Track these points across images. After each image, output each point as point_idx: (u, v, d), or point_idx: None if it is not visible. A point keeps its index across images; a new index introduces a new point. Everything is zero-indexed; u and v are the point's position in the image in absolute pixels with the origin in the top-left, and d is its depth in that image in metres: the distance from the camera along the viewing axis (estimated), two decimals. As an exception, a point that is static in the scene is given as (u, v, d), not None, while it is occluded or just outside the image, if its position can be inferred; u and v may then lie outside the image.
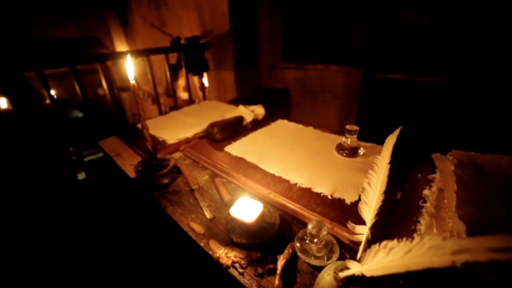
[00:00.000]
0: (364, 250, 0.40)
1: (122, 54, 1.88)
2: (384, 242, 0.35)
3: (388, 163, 0.47)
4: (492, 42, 1.45)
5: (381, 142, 0.93)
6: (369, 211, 0.44)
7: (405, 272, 0.27)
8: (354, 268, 0.37)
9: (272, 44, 2.79)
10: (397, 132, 0.52)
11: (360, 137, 0.94)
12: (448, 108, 1.67)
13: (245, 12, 2.51)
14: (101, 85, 3.02)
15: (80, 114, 3.11)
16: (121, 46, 3.66)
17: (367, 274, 0.33)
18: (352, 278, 0.38)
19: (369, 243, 0.40)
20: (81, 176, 2.30)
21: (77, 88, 1.62)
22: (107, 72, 1.86)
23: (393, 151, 0.50)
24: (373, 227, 0.43)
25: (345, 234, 0.53)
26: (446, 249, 0.25)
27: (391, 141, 0.51)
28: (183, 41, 2.60)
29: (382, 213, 0.45)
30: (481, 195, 0.61)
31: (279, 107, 2.82)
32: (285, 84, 2.82)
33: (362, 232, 0.44)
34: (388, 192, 0.45)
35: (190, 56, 2.49)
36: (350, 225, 0.46)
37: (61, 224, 1.62)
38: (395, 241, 0.33)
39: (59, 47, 3.25)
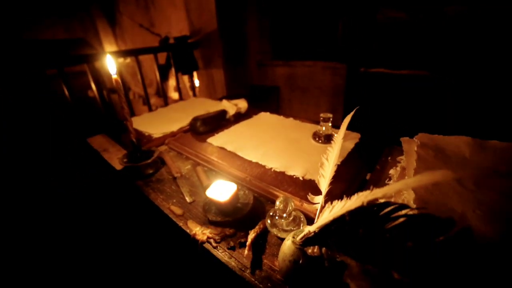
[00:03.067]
0: (319, 216, 0.45)
1: (107, 54, 1.91)
2: (329, 203, 0.39)
3: (342, 139, 0.51)
4: (467, 35, 1.52)
5: (366, 133, 0.99)
6: (324, 182, 0.48)
7: (333, 219, 0.32)
8: (306, 229, 0.41)
9: (260, 42, 2.82)
10: (352, 113, 0.57)
11: (347, 128, 0.99)
12: (427, 98, 1.74)
13: (233, 11, 2.55)
14: (90, 87, 3.03)
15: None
16: (110, 47, 3.67)
17: (312, 229, 0.38)
18: (306, 240, 0.42)
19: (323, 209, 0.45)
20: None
21: (65, 89, 1.64)
22: (95, 73, 1.88)
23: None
24: (327, 195, 0.48)
25: (305, 204, 0.58)
26: (363, 197, 0.30)
27: (346, 120, 0.55)
28: (172, 41, 2.63)
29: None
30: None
31: (269, 104, 2.86)
32: (275, 81, 2.86)
33: (319, 201, 0.48)
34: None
35: (179, 55, 2.52)
36: (310, 196, 0.51)
37: (60, 220, 1.66)
38: (337, 200, 0.38)
39: (45, 49, 3.23)
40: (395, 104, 1.88)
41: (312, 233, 0.40)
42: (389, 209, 0.32)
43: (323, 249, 0.39)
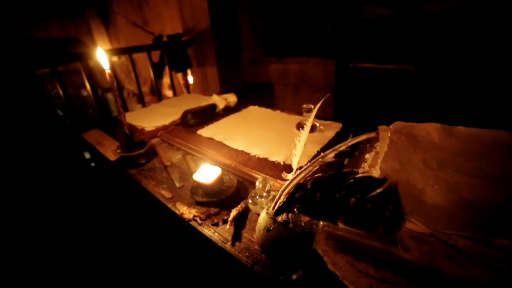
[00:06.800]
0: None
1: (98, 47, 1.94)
2: (294, 173, 0.45)
3: (311, 122, 0.57)
4: (448, 31, 1.58)
5: (351, 123, 1.05)
6: (295, 160, 0.54)
7: (296, 183, 0.37)
8: (275, 198, 0.47)
9: (253, 40, 2.86)
10: (322, 100, 0.62)
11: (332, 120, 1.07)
12: (413, 90, 1.80)
13: (225, 8, 2.58)
14: (84, 86, 3.05)
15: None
16: (103, 45, 3.69)
17: (277, 197, 0.43)
18: (278, 209, 0.48)
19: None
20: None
21: (59, 88, 1.67)
22: (89, 71, 1.91)
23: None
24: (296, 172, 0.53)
25: (279, 181, 0.63)
26: (319, 160, 0.35)
27: (317, 106, 0.61)
28: (165, 39, 2.66)
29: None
30: (406, 153, 0.72)
31: (263, 100, 2.89)
32: (268, 78, 2.90)
33: (291, 178, 0.54)
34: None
35: (173, 53, 2.56)
36: (283, 174, 0.56)
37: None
38: (299, 170, 0.44)
39: (37, 48, 3.23)
40: (383, 97, 1.94)
41: (281, 203, 0.45)
42: (341, 175, 0.37)
43: (289, 214, 0.44)
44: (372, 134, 0.38)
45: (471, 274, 0.41)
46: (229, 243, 0.57)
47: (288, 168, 0.75)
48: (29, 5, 3.19)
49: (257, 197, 0.65)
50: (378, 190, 0.31)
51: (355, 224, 0.33)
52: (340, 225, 0.34)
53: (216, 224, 0.62)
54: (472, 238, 0.44)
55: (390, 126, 0.88)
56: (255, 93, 2.89)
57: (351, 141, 0.34)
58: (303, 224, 0.47)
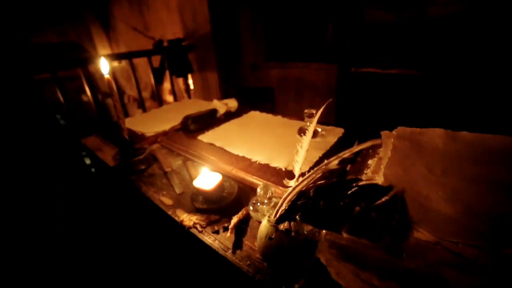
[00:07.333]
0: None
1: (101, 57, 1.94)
2: (296, 181, 0.44)
3: (314, 127, 0.56)
4: (450, 37, 1.58)
5: (354, 129, 1.04)
6: (297, 166, 0.53)
7: (299, 191, 0.36)
8: (277, 206, 0.46)
9: (254, 45, 2.86)
10: (325, 105, 0.61)
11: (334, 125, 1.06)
12: (415, 95, 1.79)
13: (226, 13, 2.59)
14: (84, 92, 3.05)
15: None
16: (104, 50, 3.70)
17: (279, 204, 0.42)
18: (279, 217, 0.47)
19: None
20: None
21: (59, 93, 1.66)
22: (89, 76, 1.92)
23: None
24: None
25: (280, 188, 0.62)
26: (322, 167, 0.34)
27: (319, 111, 0.60)
28: (166, 44, 2.67)
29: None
30: (409, 159, 0.71)
31: (264, 106, 2.89)
32: (269, 83, 2.89)
33: (293, 185, 0.53)
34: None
35: (173, 58, 2.57)
36: (285, 181, 0.55)
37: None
38: (302, 177, 0.43)
39: (37, 53, 3.22)
40: (385, 102, 1.94)
41: (283, 211, 0.44)
42: (345, 182, 0.36)
43: (292, 223, 0.43)
44: (378, 141, 0.38)
45: (478, 283, 0.39)
46: (230, 251, 0.56)
47: (290, 175, 0.75)
48: (29, 11, 3.20)
49: (259, 204, 0.64)
50: (384, 199, 0.30)
51: (359, 234, 0.32)
52: (344, 234, 0.33)
53: (217, 232, 0.61)
54: (479, 247, 0.43)
55: (393, 132, 0.88)
56: (256, 98, 2.88)
57: (357, 148, 0.33)
58: (305, 232, 0.46)
